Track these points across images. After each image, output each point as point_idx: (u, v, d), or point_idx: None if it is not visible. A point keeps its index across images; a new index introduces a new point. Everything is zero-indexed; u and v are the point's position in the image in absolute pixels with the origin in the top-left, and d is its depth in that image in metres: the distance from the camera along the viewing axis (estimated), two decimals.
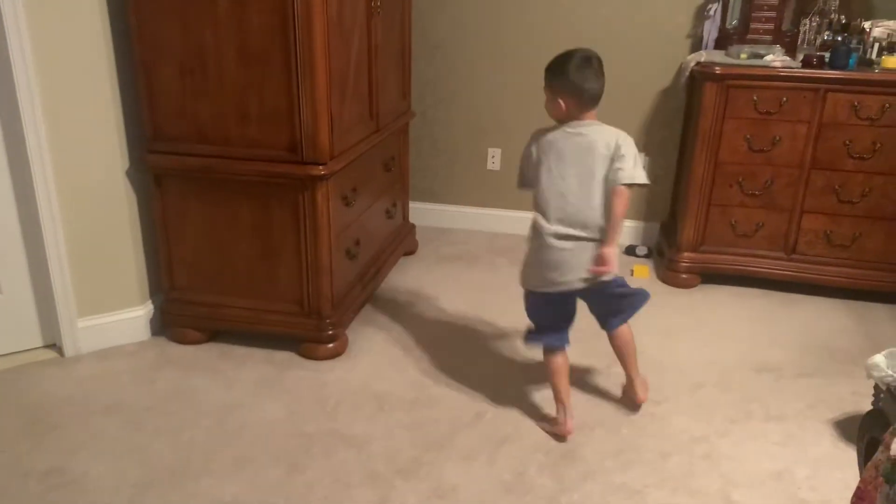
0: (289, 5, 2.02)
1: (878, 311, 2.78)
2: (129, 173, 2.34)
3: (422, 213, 3.55)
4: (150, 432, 2.02)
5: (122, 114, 2.28)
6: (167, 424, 2.05)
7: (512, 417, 2.10)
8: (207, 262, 2.37)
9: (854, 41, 2.79)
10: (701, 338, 2.57)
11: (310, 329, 2.34)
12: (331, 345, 2.36)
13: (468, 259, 3.25)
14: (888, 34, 2.80)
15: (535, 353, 2.42)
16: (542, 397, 2.20)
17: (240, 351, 2.43)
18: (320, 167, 2.16)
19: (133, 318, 2.46)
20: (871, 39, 2.77)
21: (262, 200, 2.25)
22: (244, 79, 2.13)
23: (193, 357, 2.39)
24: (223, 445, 1.97)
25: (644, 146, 3.26)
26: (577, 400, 2.18)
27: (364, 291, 2.61)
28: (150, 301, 2.52)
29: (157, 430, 2.03)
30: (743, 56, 2.72)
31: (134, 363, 2.36)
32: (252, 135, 2.19)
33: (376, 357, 2.41)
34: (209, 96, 2.17)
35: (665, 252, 3.12)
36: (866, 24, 2.86)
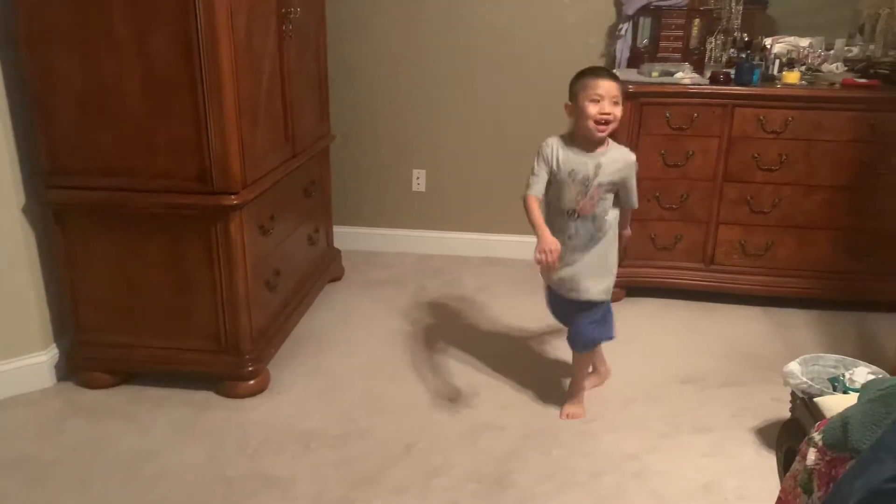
0: (192, 31, 1.94)
1: (793, 316, 2.88)
2: (25, 210, 2.20)
3: (348, 237, 3.48)
4: (56, 487, 1.88)
5: (14, 146, 2.14)
6: (75, 478, 1.91)
7: (443, 447, 2.05)
8: (116, 301, 2.24)
9: (757, 58, 2.91)
10: (629, 351, 2.60)
11: (229, 366, 2.24)
12: (252, 381, 2.26)
13: (396, 283, 3.20)
14: (788, 50, 2.94)
15: (465, 381, 2.40)
16: (474, 425, 2.16)
17: (155, 393, 2.29)
18: (232, 196, 2.07)
19: (36, 364, 2.30)
20: (772, 56, 2.89)
21: (172, 233, 2.14)
22: (148, 107, 2.03)
23: (104, 402, 2.25)
24: (137, 497, 1.84)
25: None
26: (508, 422, 2.16)
27: (287, 323, 2.52)
28: (54, 345, 2.36)
29: (64, 484, 1.89)
30: (654, 74, 2.79)
31: (37, 413, 2.20)
32: (159, 165, 2.09)
33: (301, 392, 2.32)
34: (111, 126, 2.06)
35: None
36: (767, 41, 2.99)
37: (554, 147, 2.02)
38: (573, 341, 2.16)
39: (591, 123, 1.93)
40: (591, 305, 2.08)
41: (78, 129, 2.07)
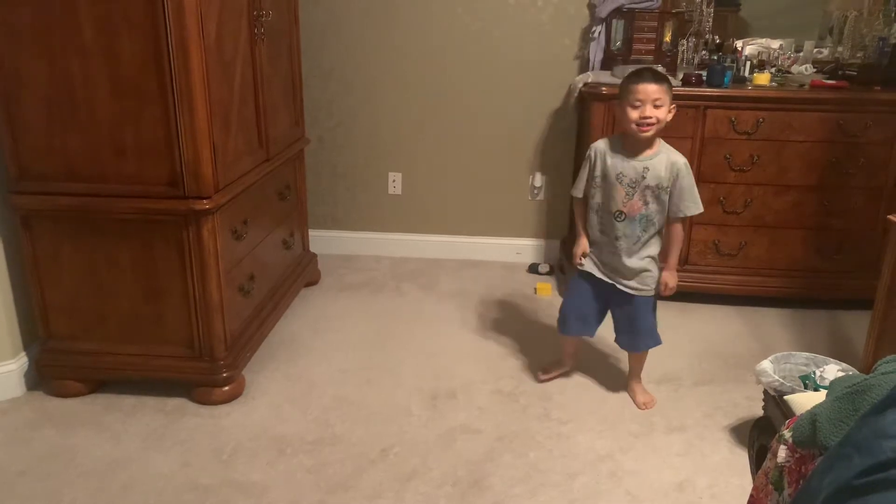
0: (162, 34, 1.92)
1: (766, 315, 2.91)
2: None
3: (324, 241, 3.46)
4: (24, 499, 1.84)
5: None
6: (44, 489, 1.88)
7: (419, 450, 2.05)
8: (87, 308, 2.20)
9: (728, 59, 2.94)
10: (603, 352, 2.61)
11: (203, 372, 2.21)
12: (226, 388, 2.23)
13: (373, 286, 3.18)
14: (758, 52, 2.98)
15: (441, 384, 2.39)
16: (450, 428, 2.16)
17: (128, 401, 2.26)
18: (204, 201, 2.05)
19: (4, 374, 2.25)
20: (743, 58, 2.93)
21: (143, 239, 2.12)
22: (118, 111, 2.01)
23: (75, 411, 2.21)
24: None
25: (540, 166, 3.32)
26: (484, 425, 2.16)
27: (261, 328, 2.49)
28: (23, 353, 2.31)
29: (32, 496, 1.85)
30: None
31: (6, 423, 2.16)
32: (129, 170, 2.06)
33: (276, 397, 2.30)
34: (80, 131, 2.03)
35: (566, 269, 3.16)
36: (738, 43, 3.03)
37: (599, 151, 2.12)
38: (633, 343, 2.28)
39: (633, 127, 2.01)
40: (642, 300, 2.21)
41: (45, 133, 2.04)
